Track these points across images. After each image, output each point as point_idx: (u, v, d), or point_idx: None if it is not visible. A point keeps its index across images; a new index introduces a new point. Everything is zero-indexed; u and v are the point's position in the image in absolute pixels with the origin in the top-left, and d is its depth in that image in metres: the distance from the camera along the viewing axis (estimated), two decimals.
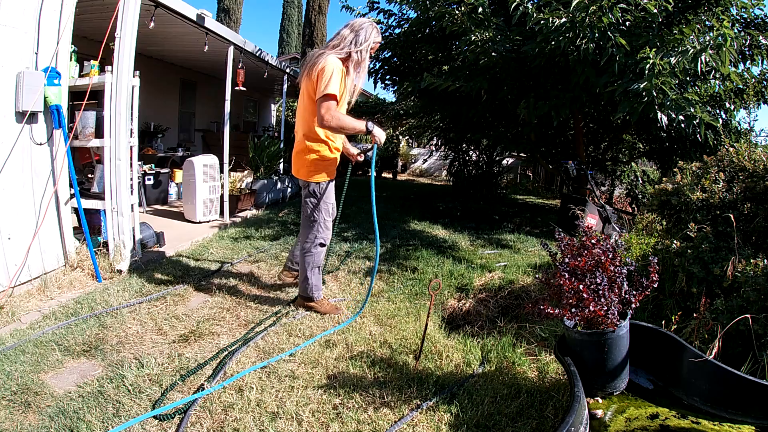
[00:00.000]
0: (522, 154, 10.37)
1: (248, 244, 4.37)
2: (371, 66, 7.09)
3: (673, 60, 3.97)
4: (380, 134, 2.51)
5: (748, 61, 5.37)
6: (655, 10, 4.16)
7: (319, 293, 2.81)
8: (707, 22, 4.72)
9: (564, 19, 4.13)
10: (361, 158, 2.88)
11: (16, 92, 2.72)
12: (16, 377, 1.92)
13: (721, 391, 1.60)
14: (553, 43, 4.31)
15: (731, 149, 2.69)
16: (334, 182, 2.73)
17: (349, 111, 2.67)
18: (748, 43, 5.13)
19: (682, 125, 4.33)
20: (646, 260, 2.52)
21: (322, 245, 2.75)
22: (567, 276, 1.68)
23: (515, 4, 4.38)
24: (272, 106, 12.96)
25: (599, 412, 1.63)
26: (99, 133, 3.29)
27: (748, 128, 6.22)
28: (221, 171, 5.33)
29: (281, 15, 26.28)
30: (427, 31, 6.20)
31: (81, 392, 1.87)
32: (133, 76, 3.32)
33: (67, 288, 2.97)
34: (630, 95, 4.16)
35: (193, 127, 9.39)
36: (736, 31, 5.21)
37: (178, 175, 6.34)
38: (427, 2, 5.22)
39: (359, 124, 2.44)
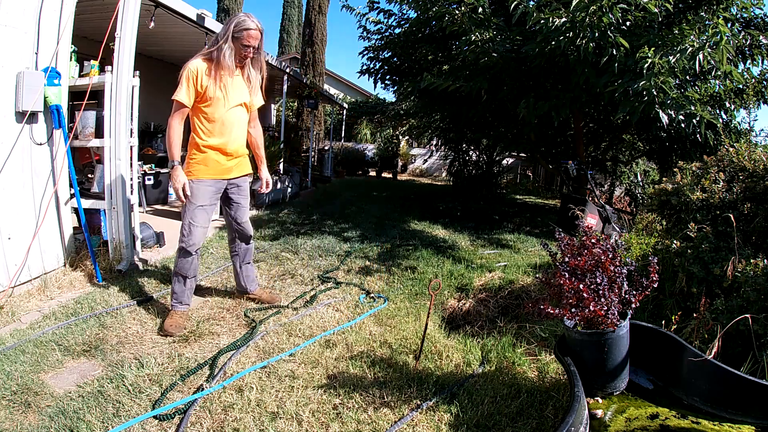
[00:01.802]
0: (522, 154, 10.37)
1: None
2: (371, 66, 7.08)
3: (672, 59, 3.97)
4: (176, 179, 2.40)
5: (749, 61, 5.37)
6: (656, 10, 4.16)
7: (176, 304, 2.56)
8: (707, 22, 4.73)
9: (564, 19, 4.13)
10: (263, 189, 2.86)
11: (16, 92, 2.72)
12: (16, 377, 1.92)
13: (721, 391, 1.60)
14: (553, 43, 4.31)
15: (731, 149, 2.69)
16: (210, 187, 2.53)
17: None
18: (748, 43, 5.13)
19: (682, 125, 4.33)
20: (646, 260, 2.52)
21: (184, 251, 2.52)
22: (567, 276, 1.67)
23: (515, 3, 4.38)
24: (272, 106, 12.95)
25: (599, 412, 1.63)
26: (99, 133, 3.29)
27: (748, 128, 6.21)
28: None
29: (281, 15, 26.27)
30: (427, 31, 6.20)
31: (81, 392, 1.87)
32: (133, 76, 3.32)
33: (67, 288, 2.97)
34: (630, 95, 4.16)
35: None
36: (736, 30, 5.22)
37: None
38: (428, 2, 5.22)
39: (172, 153, 2.42)
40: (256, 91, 2.64)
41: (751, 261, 2.04)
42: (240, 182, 2.72)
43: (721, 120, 5.41)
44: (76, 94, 3.38)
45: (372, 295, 3.19)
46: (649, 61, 3.82)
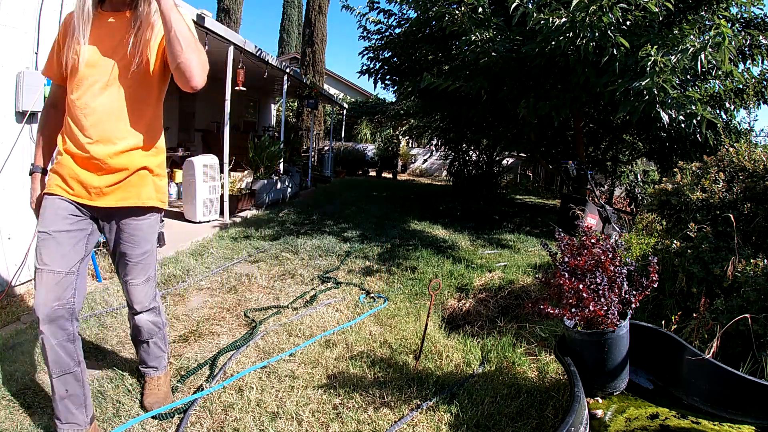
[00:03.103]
0: (522, 154, 10.39)
1: (248, 244, 4.37)
2: (372, 66, 7.08)
3: (673, 58, 3.97)
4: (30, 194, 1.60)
5: (749, 61, 5.38)
6: (656, 9, 4.16)
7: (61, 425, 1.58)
8: (708, 22, 4.73)
9: (564, 19, 4.13)
10: None
11: (16, 92, 2.72)
12: (17, 377, 1.92)
13: (721, 391, 1.60)
14: (553, 43, 4.31)
15: (731, 149, 2.69)
16: (56, 202, 1.50)
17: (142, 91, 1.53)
18: (748, 42, 5.13)
19: (683, 125, 4.34)
20: (646, 260, 2.52)
21: (38, 320, 1.47)
22: (567, 276, 1.67)
23: (515, 4, 4.38)
24: (272, 106, 12.96)
25: (599, 412, 1.63)
26: None
27: (748, 128, 6.22)
28: (221, 171, 5.33)
29: (281, 15, 26.30)
30: (427, 31, 6.20)
31: None
32: None
33: None
34: (631, 94, 4.16)
35: (193, 127, 9.39)
36: (736, 30, 5.22)
37: (178, 175, 6.33)
38: (428, 2, 5.22)
39: (34, 153, 1.66)
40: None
41: (751, 261, 2.04)
42: (123, 219, 1.59)
43: (721, 120, 5.41)
44: None
45: (372, 295, 3.19)
46: (652, 59, 3.82)
